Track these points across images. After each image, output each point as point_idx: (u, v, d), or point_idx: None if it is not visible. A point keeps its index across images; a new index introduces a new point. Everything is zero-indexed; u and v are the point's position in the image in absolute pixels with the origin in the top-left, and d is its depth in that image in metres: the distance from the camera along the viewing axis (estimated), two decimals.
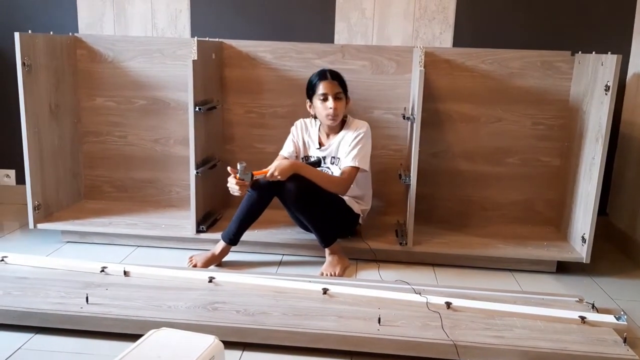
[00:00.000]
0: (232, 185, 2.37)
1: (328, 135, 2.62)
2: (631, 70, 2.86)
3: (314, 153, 2.61)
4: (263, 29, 3.00)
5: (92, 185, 3.09)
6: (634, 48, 2.84)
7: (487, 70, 2.78)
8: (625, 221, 2.85)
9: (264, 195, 2.44)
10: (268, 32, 2.99)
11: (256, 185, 2.42)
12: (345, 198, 2.56)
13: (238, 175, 2.35)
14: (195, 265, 2.43)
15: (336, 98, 2.49)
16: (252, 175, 2.38)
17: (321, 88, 2.49)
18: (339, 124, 2.59)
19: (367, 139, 2.54)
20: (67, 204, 2.93)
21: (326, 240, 2.46)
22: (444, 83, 2.81)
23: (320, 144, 2.63)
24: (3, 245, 2.68)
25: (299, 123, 2.70)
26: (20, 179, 3.19)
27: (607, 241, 2.91)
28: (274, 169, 2.33)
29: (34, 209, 2.64)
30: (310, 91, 2.55)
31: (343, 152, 2.54)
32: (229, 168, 2.38)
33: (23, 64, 2.50)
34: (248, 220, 2.46)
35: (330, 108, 2.47)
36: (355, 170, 2.49)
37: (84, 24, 3.08)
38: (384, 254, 2.58)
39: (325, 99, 2.49)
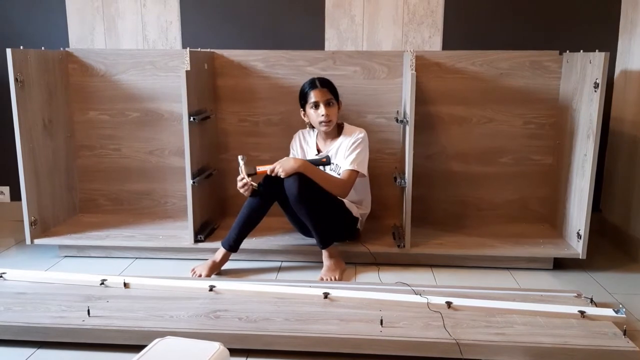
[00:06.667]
0: (240, 186, 2.45)
1: (325, 143, 2.64)
2: (618, 68, 2.90)
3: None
4: (254, 38, 3.03)
5: (87, 198, 3.08)
6: (620, 45, 2.89)
7: (477, 72, 2.81)
8: (618, 216, 2.88)
9: (264, 201, 2.47)
10: (259, 41, 3.01)
11: (256, 192, 2.45)
12: (345, 201, 2.58)
13: (240, 168, 2.42)
14: (200, 276, 2.43)
15: (327, 104, 2.52)
16: (256, 170, 2.44)
17: (312, 96, 2.53)
18: (336, 131, 2.62)
19: (365, 144, 2.57)
20: (63, 219, 2.92)
21: (325, 241, 2.46)
22: (435, 86, 2.84)
23: (319, 151, 2.65)
24: (0, 262, 2.66)
25: (297, 135, 2.73)
26: (14, 196, 3.19)
27: (601, 237, 2.94)
28: (278, 166, 2.37)
29: (31, 224, 2.63)
30: (303, 100, 2.58)
31: (342, 158, 2.56)
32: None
33: (16, 79, 2.50)
34: (248, 226, 2.48)
35: (323, 115, 2.51)
36: (355, 173, 2.51)
37: (75, 38, 3.09)
38: (383, 256, 2.59)
39: (317, 107, 2.53)
